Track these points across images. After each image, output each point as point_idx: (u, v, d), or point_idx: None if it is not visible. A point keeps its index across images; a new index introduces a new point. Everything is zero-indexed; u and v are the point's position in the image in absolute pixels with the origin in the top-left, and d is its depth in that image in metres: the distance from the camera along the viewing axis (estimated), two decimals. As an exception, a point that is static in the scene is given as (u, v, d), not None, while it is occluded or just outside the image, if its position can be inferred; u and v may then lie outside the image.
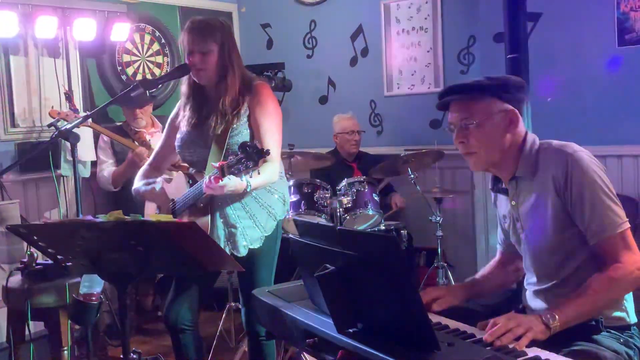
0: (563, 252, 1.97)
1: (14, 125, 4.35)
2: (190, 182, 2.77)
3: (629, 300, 2.00)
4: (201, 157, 2.73)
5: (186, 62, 2.71)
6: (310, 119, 5.57)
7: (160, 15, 5.27)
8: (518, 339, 1.70)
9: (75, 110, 4.30)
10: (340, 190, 4.10)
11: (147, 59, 5.20)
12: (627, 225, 1.91)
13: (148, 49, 5.20)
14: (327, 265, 1.70)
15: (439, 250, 4.29)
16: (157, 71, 5.27)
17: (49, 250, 2.12)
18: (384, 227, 4.18)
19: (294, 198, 4.00)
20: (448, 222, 4.70)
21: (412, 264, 4.76)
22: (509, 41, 3.97)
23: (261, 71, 4.87)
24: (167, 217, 2.16)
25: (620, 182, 4.09)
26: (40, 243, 2.09)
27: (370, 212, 4.08)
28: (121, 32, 4.68)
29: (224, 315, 4.11)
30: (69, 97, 4.42)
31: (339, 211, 3.98)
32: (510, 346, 1.68)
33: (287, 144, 4.11)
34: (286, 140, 2.83)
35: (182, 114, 2.83)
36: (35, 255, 3.09)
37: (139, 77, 5.09)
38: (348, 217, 4.03)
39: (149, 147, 4.22)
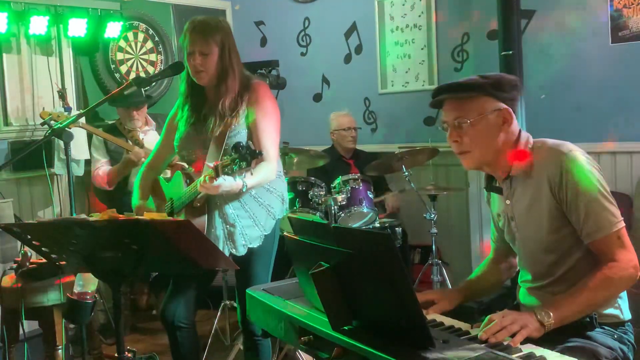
0: (558, 251, 1.97)
1: (7, 123, 4.33)
2: (188, 181, 2.77)
3: (622, 297, 2.00)
4: (199, 157, 2.72)
5: (180, 60, 2.70)
6: (304, 116, 5.57)
7: (153, 13, 5.26)
8: (513, 336, 1.71)
9: (69, 108, 4.29)
10: (334, 187, 4.11)
11: (141, 57, 5.19)
12: (622, 224, 1.91)
13: (141, 47, 5.18)
14: (322, 262, 1.70)
15: (434, 247, 4.29)
16: (150, 69, 5.26)
17: (43, 249, 2.11)
18: (378, 225, 4.18)
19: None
20: (442, 219, 4.71)
21: (407, 261, 4.76)
22: (503, 38, 3.99)
23: (255, 69, 4.87)
24: (161, 216, 2.15)
25: (614, 179, 4.10)
26: (34, 242, 2.09)
27: (365, 210, 4.08)
28: (114, 30, 4.67)
29: (219, 313, 4.10)
30: (62, 95, 4.40)
31: (334, 209, 3.98)
32: (505, 343, 1.68)
33: (281, 142, 4.10)
34: (280, 138, 2.83)
35: (180, 113, 2.82)
36: (29, 254, 3.09)
37: (132, 75, 5.07)
38: (343, 215, 4.03)
39: (142, 146, 4.21)
